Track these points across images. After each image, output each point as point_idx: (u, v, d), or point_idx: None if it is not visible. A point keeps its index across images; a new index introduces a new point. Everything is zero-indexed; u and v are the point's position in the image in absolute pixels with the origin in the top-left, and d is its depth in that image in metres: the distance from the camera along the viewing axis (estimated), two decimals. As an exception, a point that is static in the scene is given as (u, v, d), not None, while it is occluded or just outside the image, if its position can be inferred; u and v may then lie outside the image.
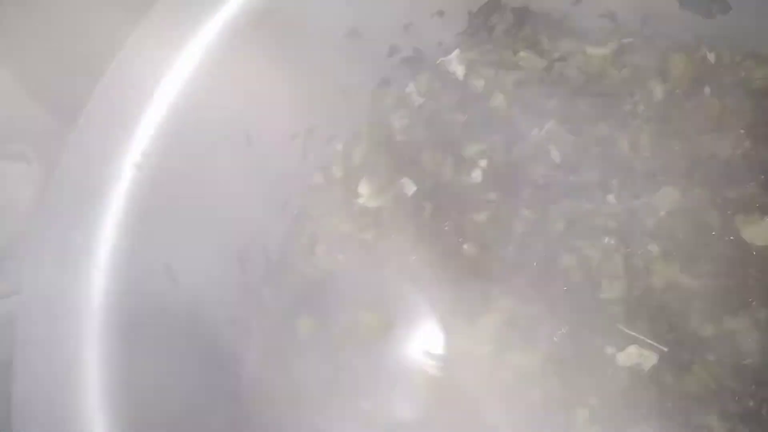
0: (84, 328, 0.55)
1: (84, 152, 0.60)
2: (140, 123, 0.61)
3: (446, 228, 0.75)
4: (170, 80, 0.63)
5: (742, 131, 0.72)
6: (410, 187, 0.78)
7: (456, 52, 0.81)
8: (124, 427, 0.54)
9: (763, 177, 0.71)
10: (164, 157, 0.62)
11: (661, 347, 0.66)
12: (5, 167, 1.00)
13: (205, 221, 0.67)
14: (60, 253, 0.57)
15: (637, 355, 0.67)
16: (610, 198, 0.73)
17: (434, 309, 0.74)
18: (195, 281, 0.66)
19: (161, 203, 0.62)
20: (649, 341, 0.67)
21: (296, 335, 0.74)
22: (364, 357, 0.72)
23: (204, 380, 0.64)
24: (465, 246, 0.73)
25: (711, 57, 0.73)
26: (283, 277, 0.77)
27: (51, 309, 0.55)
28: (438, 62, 0.82)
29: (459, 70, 0.80)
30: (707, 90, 0.73)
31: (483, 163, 0.76)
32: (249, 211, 0.74)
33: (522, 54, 0.78)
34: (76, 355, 0.54)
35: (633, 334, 0.67)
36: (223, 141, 0.68)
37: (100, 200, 0.59)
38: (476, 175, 0.76)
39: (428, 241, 0.75)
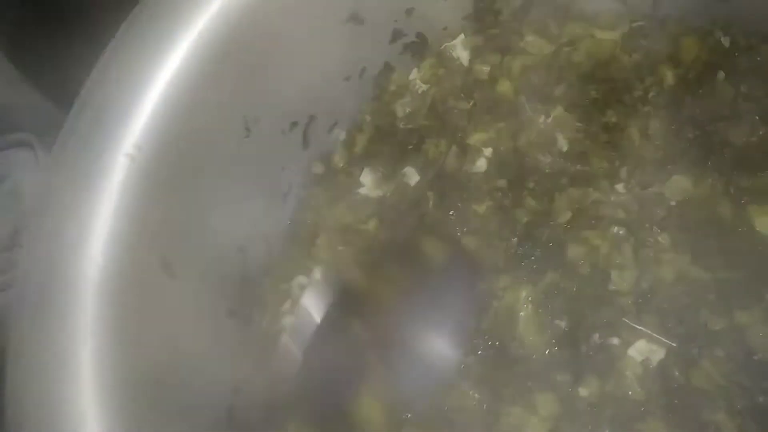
0: (78, 323, 0.54)
1: (77, 143, 0.59)
2: (133, 113, 0.60)
3: (451, 218, 0.74)
4: (164, 69, 0.62)
5: (757, 118, 0.69)
6: (413, 177, 0.76)
7: (461, 37, 0.79)
8: (118, 423, 0.54)
9: (778, 165, 0.69)
10: (159, 148, 0.61)
11: (669, 342, 0.64)
12: (10, 155, 1.00)
13: (203, 213, 0.66)
14: (55, 246, 0.56)
15: (645, 350, 0.66)
16: (619, 187, 0.71)
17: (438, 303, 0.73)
18: (193, 273, 0.65)
19: (156, 195, 0.61)
20: (657, 336, 0.65)
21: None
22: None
23: (204, 372, 0.63)
24: (467, 237, 0.72)
25: (725, 41, 0.71)
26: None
27: (44, 303, 0.54)
28: (442, 48, 0.79)
29: (464, 56, 0.78)
30: (721, 75, 0.70)
31: (488, 151, 0.74)
32: (249, 202, 0.73)
33: (529, 39, 0.76)
34: (69, 351, 0.53)
35: (640, 328, 0.66)
36: (220, 131, 0.67)
37: (94, 192, 0.58)
38: (481, 164, 0.75)
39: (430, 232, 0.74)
